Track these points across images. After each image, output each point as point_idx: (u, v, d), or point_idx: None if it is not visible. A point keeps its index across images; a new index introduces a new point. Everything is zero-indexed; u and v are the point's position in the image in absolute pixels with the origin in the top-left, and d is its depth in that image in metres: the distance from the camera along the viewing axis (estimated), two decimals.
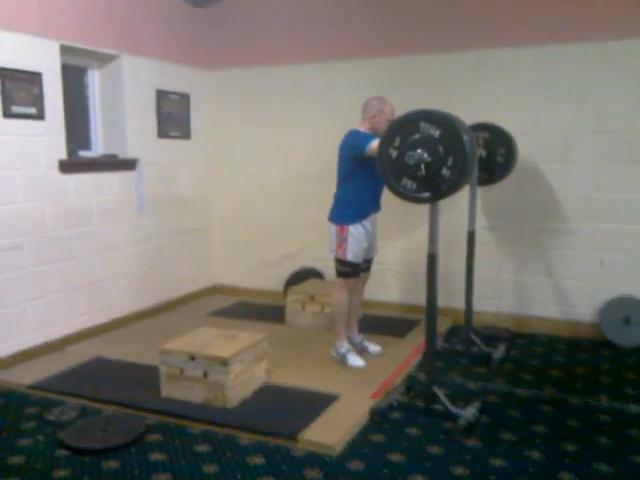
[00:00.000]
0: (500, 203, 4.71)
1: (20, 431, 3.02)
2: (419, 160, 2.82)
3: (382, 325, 4.71)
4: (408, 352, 4.07)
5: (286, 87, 5.26)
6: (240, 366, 3.27)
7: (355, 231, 3.70)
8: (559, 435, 3.01)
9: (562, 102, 4.41)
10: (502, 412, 3.28)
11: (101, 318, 4.51)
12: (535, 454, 2.82)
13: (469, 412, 3.15)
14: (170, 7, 5.05)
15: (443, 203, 4.61)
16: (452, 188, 2.91)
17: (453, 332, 4.59)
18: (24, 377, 3.61)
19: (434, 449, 2.87)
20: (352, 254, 3.72)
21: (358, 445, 2.91)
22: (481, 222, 4.68)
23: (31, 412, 3.24)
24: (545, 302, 4.67)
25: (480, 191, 4.47)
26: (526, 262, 4.70)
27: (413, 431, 3.05)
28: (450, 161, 2.81)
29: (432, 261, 3.20)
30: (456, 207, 4.56)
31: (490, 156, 4.14)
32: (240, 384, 3.27)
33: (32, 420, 3.14)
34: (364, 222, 3.74)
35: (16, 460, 2.73)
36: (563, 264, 4.57)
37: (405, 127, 2.92)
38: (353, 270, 3.79)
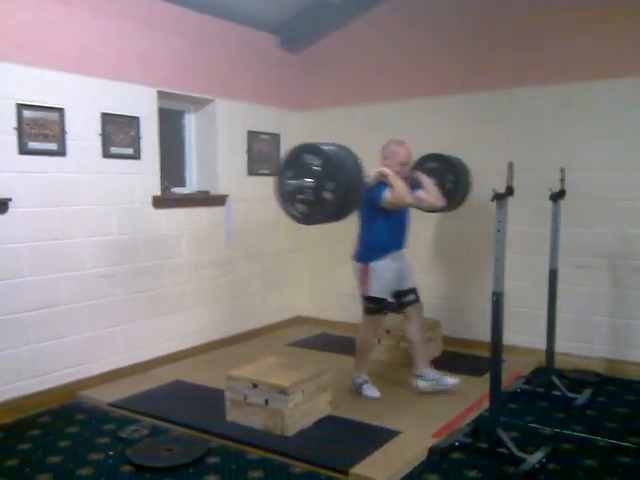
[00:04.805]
0: (592, 241, 4.45)
1: (94, 446, 3.25)
2: (300, 187, 3.21)
3: (461, 363, 4.59)
4: (482, 392, 3.91)
5: (368, 125, 5.36)
6: (301, 396, 3.32)
7: (376, 267, 3.80)
8: None
9: None
10: (574, 460, 3.07)
11: (185, 344, 4.77)
12: None
13: (535, 457, 2.98)
14: (261, 53, 5.38)
15: (526, 241, 4.54)
16: (339, 211, 3.21)
17: (537, 374, 4.36)
18: (107, 395, 3.89)
19: None
20: (374, 289, 3.82)
21: None
22: (571, 261, 4.45)
23: (107, 428, 3.48)
24: None
25: (570, 228, 4.27)
26: (621, 303, 4.38)
27: (472, 473, 2.94)
28: (331, 186, 3.10)
29: (497, 300, 3.11)
30: (543, 246, 4.36)
31: (440, 184, 4.13)
32: (300, 414, 3.32)
33: (107, 436, 3.37)
34: (386, 259, 3.82)
35: (84, 472, 2.95)
36: None
37: (294, 160, 3.28)
38: (378, 306, 3.89)
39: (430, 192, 3.90)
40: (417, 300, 3.99)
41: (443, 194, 4.02)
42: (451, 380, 3.94)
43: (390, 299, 3.93)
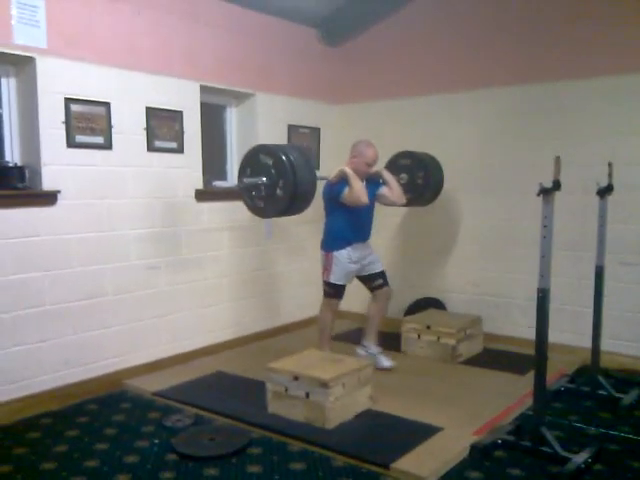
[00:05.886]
0: (637, 237, 4.34)
1: (140, 434, 3.33)
2: (254, 184, 3.58)
3: (503, 360, 4.53)
4: (524, 391, 3.86)
5: (409, 119, 5.32)
6: (341, 389, 3.33)
7: (339, 255, 4.13)
8: None
9: None
10: (621, 462, 3.00)
11: (227, 336, 4.83)
12: None
13: (580, 457, 2.93)
14: (302, 47, 5.38)
15: (571, 239, 4.44)
16: (289, 207, 3.57)
17: (582, 373, 4.28)
18: (151, 385, 3.97)
19: None
20: (334, 277, 4.16)
21: None
22: (618, 257, 4.34)
23: (152, 417, 3.56)
24: None
25: (614, 224, 4.16)
26: None
27: (515, 472, 2.90)
28: (281, 183, 3.47)
29: (543, 296, 3.06)
30: (590, 242, 4.26)
31: (411, 179, 4.54)
32: (341, 407, 3.33)
33: (152, 424, 3.45)
34: (348, 249, 4.13)
35: (131, 459, 3.02)
36: None
37: (251, 160, 3.65)
38: (335, 292, 4.21)
39: (393, 190, 4.19)
40: (385, 284, 4.33)
41: (415, 189, 4.47)
42: (387, 362, 4.27)
43: (347, 283, 4.26)
